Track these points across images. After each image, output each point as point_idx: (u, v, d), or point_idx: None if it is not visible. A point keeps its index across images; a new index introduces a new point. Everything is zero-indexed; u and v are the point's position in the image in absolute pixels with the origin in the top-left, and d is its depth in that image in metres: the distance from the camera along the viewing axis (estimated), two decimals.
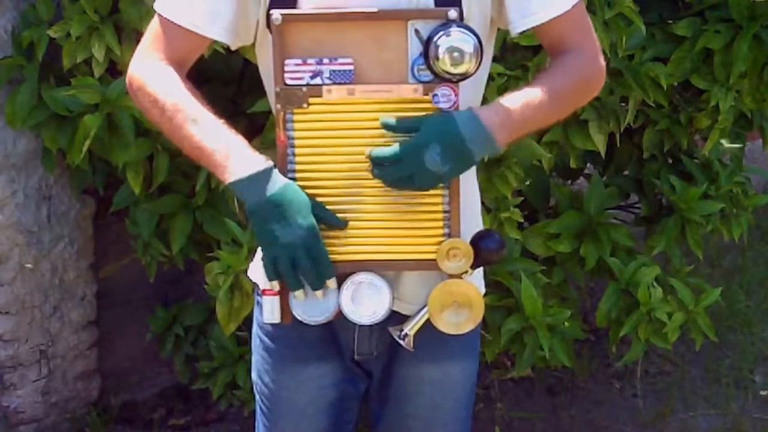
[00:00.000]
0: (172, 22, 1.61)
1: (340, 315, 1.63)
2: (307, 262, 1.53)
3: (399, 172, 1.53)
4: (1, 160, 2.80)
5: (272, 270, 1.55)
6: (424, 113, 1.55)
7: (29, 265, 2.93)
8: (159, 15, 1.63)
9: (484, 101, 1.75)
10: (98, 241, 3.14)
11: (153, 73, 1.61)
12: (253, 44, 1.67)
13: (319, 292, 1.57)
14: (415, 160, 1.51)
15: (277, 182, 1.53)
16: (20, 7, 2.77)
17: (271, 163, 1.54)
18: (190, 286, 3.21)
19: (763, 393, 3.52)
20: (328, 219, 1.57)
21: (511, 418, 3.33)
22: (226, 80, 2.77)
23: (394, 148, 1.53)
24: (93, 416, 3.20)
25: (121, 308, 3.27)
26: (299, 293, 1.57)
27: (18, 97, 2.71)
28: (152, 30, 1.64)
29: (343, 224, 1.59)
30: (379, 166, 1.54)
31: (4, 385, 3.03)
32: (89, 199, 3.06)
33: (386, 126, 1.55)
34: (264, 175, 1.52)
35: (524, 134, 1.62)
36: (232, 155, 1.53)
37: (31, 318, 2.99)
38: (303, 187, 1.57)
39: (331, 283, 1.57)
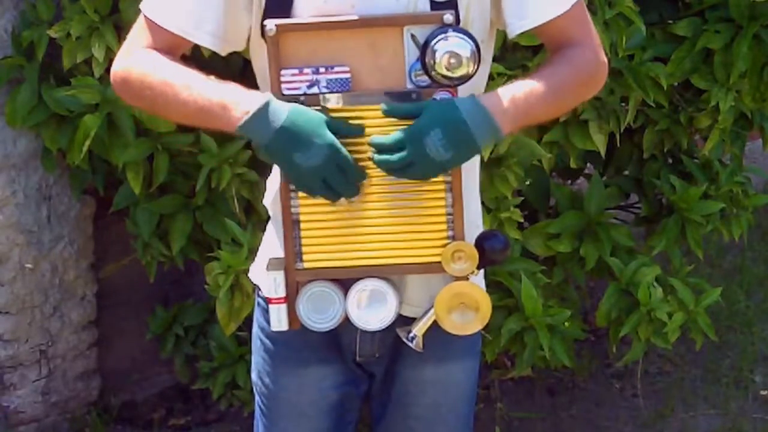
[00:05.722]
0: (157, 24, 1.60)
1: (346, 321, 1.63)
2: (338, 177, 1.50)
3: (400, 160, 1.50)
4: (1, 160, 2.81)
5: (309, 193, 1.54)
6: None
7: (29, 265, 2.93)
8: (144, 15, 1.62)
9: None
10: (98, 241, 3.14)
11: (136, 60, 1.60)
12: (247, 49, 1.66)
13: (355, 198, 1.56)
14: (417, 146, 1.49)
15: (282, 110, 1.50)
16: (20, 7, 2.77)
17: (268, 95, 1.51)
18: (190, 286, 3.21)
19: (763, 393, 3.52)
20: (343, 130, 1.53)
21: (511, 418, 3.33)
22: (226, 80, 2.76)
23: (396, 134, 1.51)
24: (93, 416, 3.20)
25: (121, 308, 3.27)
26: (341, 201, 1.55)
27: (18, 97, 2.71)
28: (137, 28, 1.63)
29: (360, 130, 1.54)
30: (380, 153, 1.52)
31: (4, 385, 3.03)
32: (89, 199, 3.06)
33: (387, 111, 1.53)
34: (265, 109, 1.49)
35: (526, 125, 1.60)
36: (229, 104, 1.51)
37: (31, 318, 2.99)
38: (306, 197, 1.56)
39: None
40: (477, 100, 1.52)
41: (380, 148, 1.52)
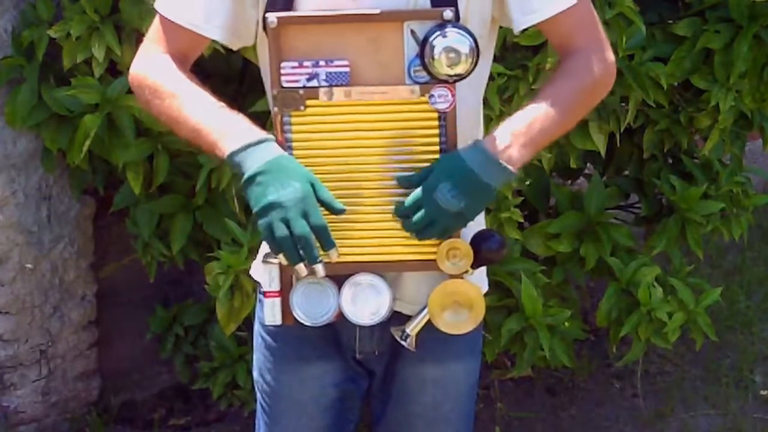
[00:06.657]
0: (170, 20, 1.62)
1: (340, 316, 1.63)
2: (300, 224, 1.47)
3: (421, 220, 1.53)
4: (1, 160, 2.80)
5: (270, 239, 1.49)
6: (429, 162, 1.55)
7: (29, 265, 2.93)
8: (158, 14, 1.65)
9: (484, 101, 1.74)
10: (98, 241, 3.14)
11: (152, 65, 1.63)
12: (255, 45, 1.68)
13: (319, 267, 1.51)
14: (430, 202, 1.52)
15: (276, 152, 1.51)
16: (20, 7, 2.77)
17: (271, 136, 1.53)
18: (190, 286, 3.21)
19: (763, 393, 3.52)
20: (326, 199, 1.52)
21: (511, 418, 3.33)
22: (227, 79, 2.77)
23: (412, 195, 1.54)
24: (93, 416, 3.20)
25: (121, 308, 3.27)
26: (300, 267, 1.51)
27: (18, 97, 2.71)
28: (153, 29, 1.66)
29: (341, 208, 1.54)
30: (406, 219, 1.55)
31: (4, 385, 3.03)
32: (89, 199, 3.06)
33: (401, 183, 1.56)
34: (260, 145, 1.51)
35: (540, 148, 1.62)
36: (228, 131, 1.53)
37: (31, 318, 2.99)
38: None
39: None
40: (480, 145, 1.54)
41: (402, 215, 1.55)
